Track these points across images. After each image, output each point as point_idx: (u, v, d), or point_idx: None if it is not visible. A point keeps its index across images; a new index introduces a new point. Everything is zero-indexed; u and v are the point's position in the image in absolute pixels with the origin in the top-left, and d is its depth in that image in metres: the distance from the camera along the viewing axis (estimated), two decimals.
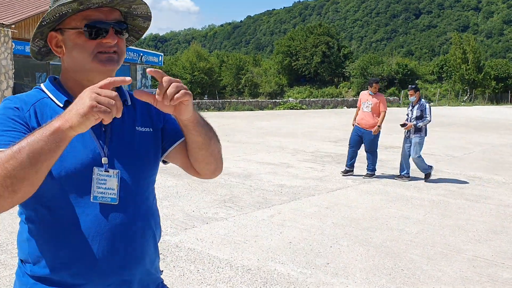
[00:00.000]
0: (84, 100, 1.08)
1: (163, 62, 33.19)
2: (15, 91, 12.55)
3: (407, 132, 8.34)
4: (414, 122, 8.16)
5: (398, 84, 54.66)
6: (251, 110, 29.88)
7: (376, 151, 8.61)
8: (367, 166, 8.54)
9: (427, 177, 8.26)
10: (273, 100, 35.27)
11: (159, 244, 1.53)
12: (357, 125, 8.74)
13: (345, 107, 36.05)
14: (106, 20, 1.30)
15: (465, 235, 5.25)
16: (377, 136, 8.55)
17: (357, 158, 8.66)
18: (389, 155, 11.26)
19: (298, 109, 31.93)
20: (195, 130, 1.36)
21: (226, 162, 9.16)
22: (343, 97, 48.12)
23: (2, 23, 11.73)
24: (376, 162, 8.56)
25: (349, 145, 8.76)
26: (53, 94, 1.35)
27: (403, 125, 8.30)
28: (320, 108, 33.88)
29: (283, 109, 31.43)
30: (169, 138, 1.49)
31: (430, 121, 8.13)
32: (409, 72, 56.72)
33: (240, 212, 5.94)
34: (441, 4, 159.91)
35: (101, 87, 1.10)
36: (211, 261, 4.27)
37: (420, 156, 8.22)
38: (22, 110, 1.28)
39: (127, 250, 1.34)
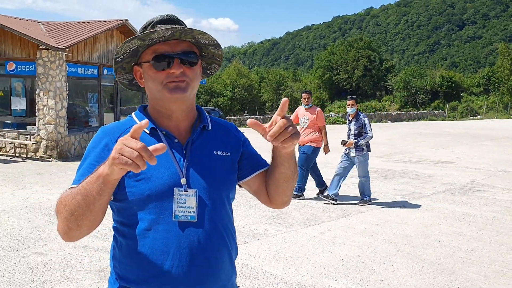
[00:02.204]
0: (112, 151, 1.16)
1: (206, 80, 33.83)
2: (69, 110, 13.14)
3: (347, 150, 7.48)
4: (354, 140, 7.33)
5: (442, 97, 53.44)
6: None
7: (307, 170, 7.84)
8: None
9: (363, 203, 7.38)
10: None
11: None
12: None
13: (389, 121, 35.55)
14: (171, 52, 1.43)
15: None
16: (314, 152, 7.80)
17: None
18: (437, 170, 11.04)
19: (340, 123, 31.73)
20: (287, 162, 1.48)
21: None
22: (386, 111, 47.44)
23: (58, 47, 12.34)
24: (304, 182, 7.79)
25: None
26: (141, 121, 1.49)
27: (344, 143, 7.45)
28: None
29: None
30: (248, 166, 1.60)
31: (372, 137, 7.30)
32: (453, 85, 55.38)
33: (289, 228, 5.99)
34: (486, 14, 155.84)
35: (131, 136, 1.14)
36: (266, 277, 4.34)
37: (367, 177, 7.41)
38: (110, 143, 1.44)
39: (204, 265, 1.44)
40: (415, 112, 42.55)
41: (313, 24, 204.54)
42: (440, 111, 43.83)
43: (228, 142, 1.58)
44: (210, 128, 1.57)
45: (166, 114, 1.49)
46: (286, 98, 1.33)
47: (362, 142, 7.29)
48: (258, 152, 1.67)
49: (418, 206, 7.30)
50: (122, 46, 1.43)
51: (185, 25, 1.52)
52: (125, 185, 1.40)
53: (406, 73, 57.74)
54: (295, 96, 59.56)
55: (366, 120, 7.44)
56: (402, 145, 17.05)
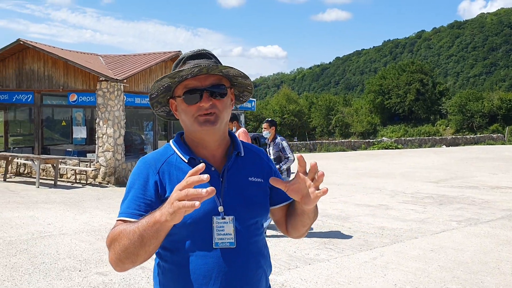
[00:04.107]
0: (171, 201, 1.23)
1: (255, 107, 34.30)
2: (126, 138, 13.74)
3: None
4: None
5: (501, 120, 51.35)
6: (344, 150, 29.68)
7: None
8: None
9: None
10: (366, 140, 34.77)
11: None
12: None
13: (444, 146, 34.49)
14: (200, 87, 1.50)
15: None
16: None
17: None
18: (496, 195, 10.62)
19: (393, 148, 31.14)
20: (308, 215, 1.56)
21: (323, 204, 9.22)
22: (441, 135, 46.09)
23: (116, 79, 13.03)
24: None
25: None
26: (179, 150, 1.58)
27: None
28: (417, 147, 32.73)
29: (377, 149, 30.81)
30: (275, 197, 1.66)
31: (293, 160, 6.78)
32: None
33: (341, 254, 5.97)
34: None
35: (184, 186, 1.21)
36: None
37: None
38: (153, 174, 1.51)
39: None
40: (472, 136, 41.02)
41: (363, 49, 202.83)
42: (499, 134, 42.05)
43: (261, 168, 1.65)
44: (243, 154, 1.64)
45: (201, 144, 1.57)
46: (299, 155, 1.42)
47: (284, 167, 6.89)
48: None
49: (475, 233, 7.07)
50: (154, 84, 1.54)
51: (215, 58, 1.61)
52: None
53: (461, 96, 56.04)
54: (346, 121, 59.14)
55: (285, 143, 6.98)
56: (458, 170, 16.52)
